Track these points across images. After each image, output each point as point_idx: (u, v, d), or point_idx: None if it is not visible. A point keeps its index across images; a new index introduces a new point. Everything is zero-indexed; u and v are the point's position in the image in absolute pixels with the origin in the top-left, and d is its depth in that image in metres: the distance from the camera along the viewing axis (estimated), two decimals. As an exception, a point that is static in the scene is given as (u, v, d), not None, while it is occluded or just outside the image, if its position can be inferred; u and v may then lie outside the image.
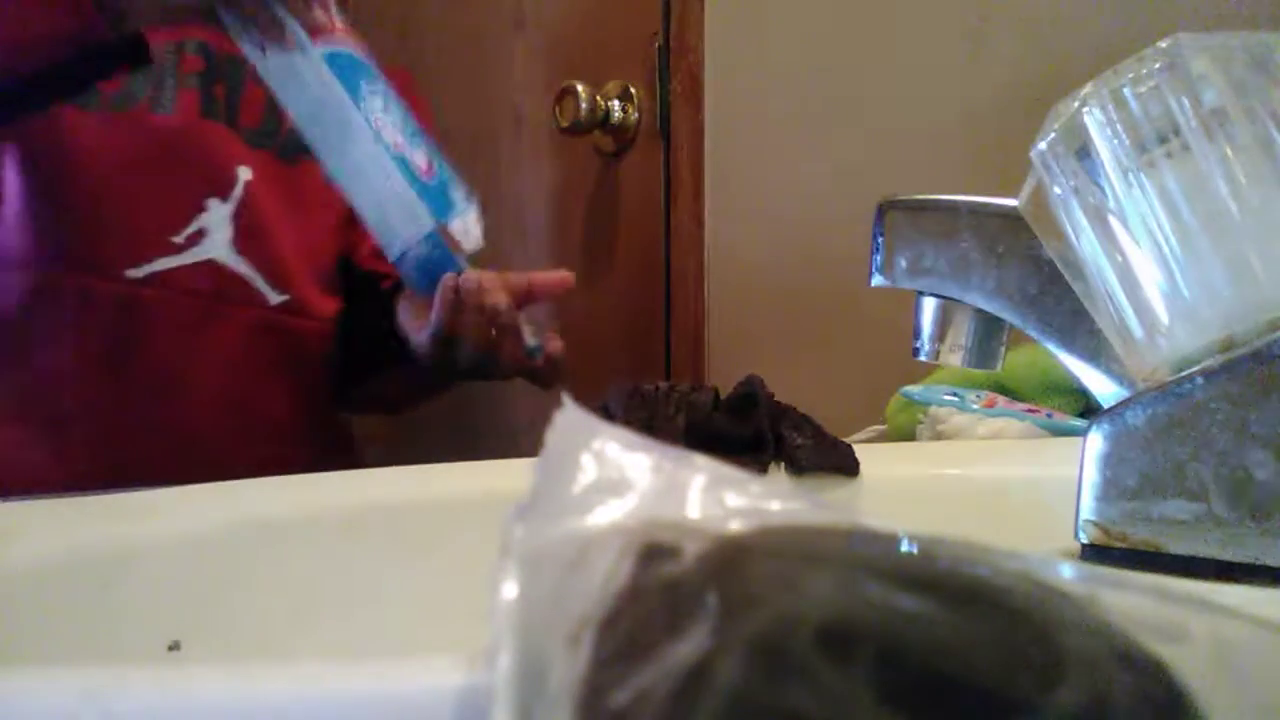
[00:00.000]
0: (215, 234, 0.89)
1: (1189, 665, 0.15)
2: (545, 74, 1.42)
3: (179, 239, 0.87)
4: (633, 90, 1.35)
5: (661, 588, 0.17)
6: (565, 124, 1.32)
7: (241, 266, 0.90)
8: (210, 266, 0.88)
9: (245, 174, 0.90)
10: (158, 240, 0.87)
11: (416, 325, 0.84)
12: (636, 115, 1.34)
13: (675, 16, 1.28)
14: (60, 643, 0.33)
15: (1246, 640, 0.16)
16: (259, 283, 0.91)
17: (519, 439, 1.41)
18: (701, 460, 0.20)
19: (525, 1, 1.47)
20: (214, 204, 0.89)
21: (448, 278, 0.78)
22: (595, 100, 1.32)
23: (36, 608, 0.34)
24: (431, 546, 0.46)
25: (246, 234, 0.89)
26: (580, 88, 1.31)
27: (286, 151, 0.95)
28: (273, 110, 0.94)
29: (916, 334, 0.47)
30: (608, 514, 0.19)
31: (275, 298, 0.92)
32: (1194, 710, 0.15)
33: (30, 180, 0.87)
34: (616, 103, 1.33)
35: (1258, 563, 0.30)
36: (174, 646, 0.36)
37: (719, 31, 1.25)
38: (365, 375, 1.03)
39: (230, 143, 0.91)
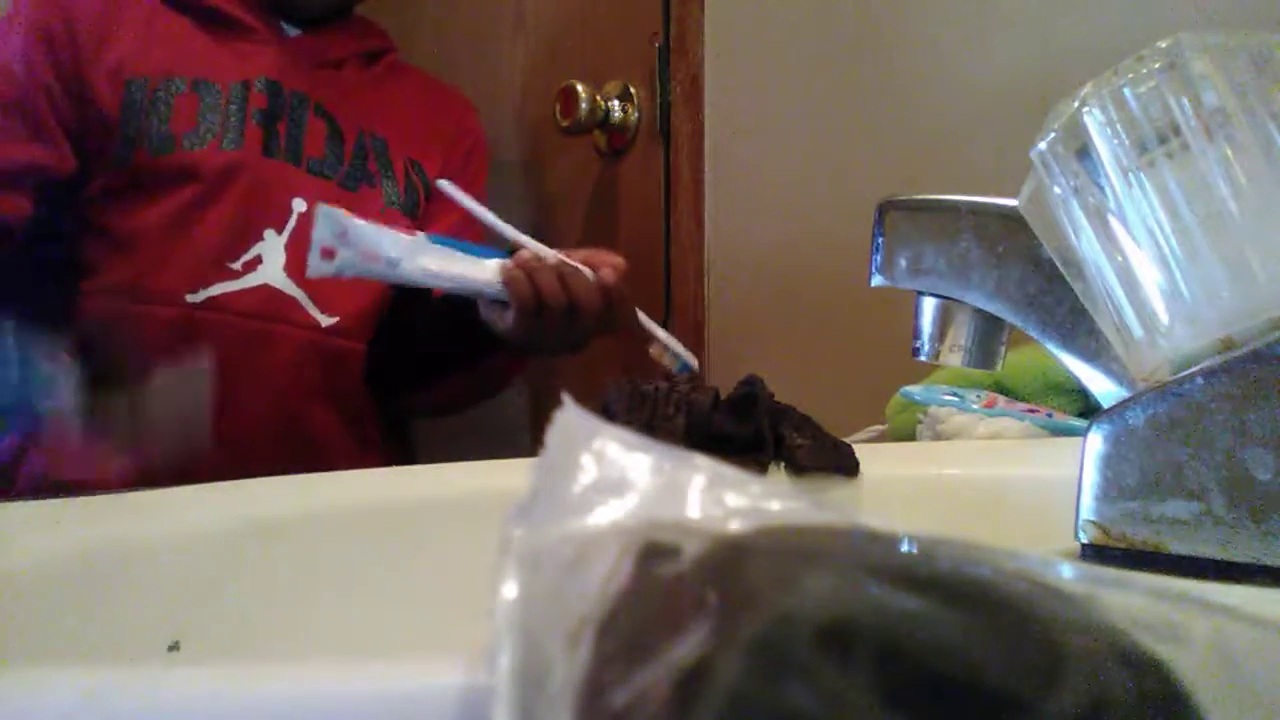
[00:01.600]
0: (270, 260, 0.95)
1: (1189, 665, 0.15)
2: (545, 74, 1.42)
3: (236, 265, 0.93)
4: (633, 90, 1.35)
5: (661, 588, 0.17)
6: (565, 124, 1.32)
7: (293, 290, 0.96)
8: (264, 290, 0.94)
9: (300, 205, 0.97)
10: (217, 267, 0.93)
11: (499, 314, 0.88)
12: (636, 115, 1.34)
13: (675, 16, 1.28)
14: (60, 643, 0.33)
15: (1246, 640, 0.16)
16: (309, 306, 0.97)
17: (518, 439, 1.41)
18: (701, 460, 0.20)
19: (525, 1, 1.47)
20: (270, 234, 0.95)
21: (510, 264, 0.83)
22: (595, 100, 1.32)
23: (37, 608, 0.34)
24: (430, 546, 0.46)
25: (300, 261, 0.92)
26: (580, 88, 1.31)
27: (348, 180, 1.02)
28: (334, 142, 1.02)
29: (916, 334, 0.47)
30: (608, 514, 0.19)
31: (325, 320, 0.98)
32: (1194, 710, 0.15)
33: (108, 217, 0.93)
34: (616, 103, 1.33)
35: (1258, 563, 0.30)
36: (174, 646, 0.36)
37: (719, 31, 1.25)
38: (446, 373, 1.07)
39: (289, 175, 0.98)
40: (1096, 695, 0.14)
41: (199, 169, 0.93)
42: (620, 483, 0.20)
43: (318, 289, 0.97)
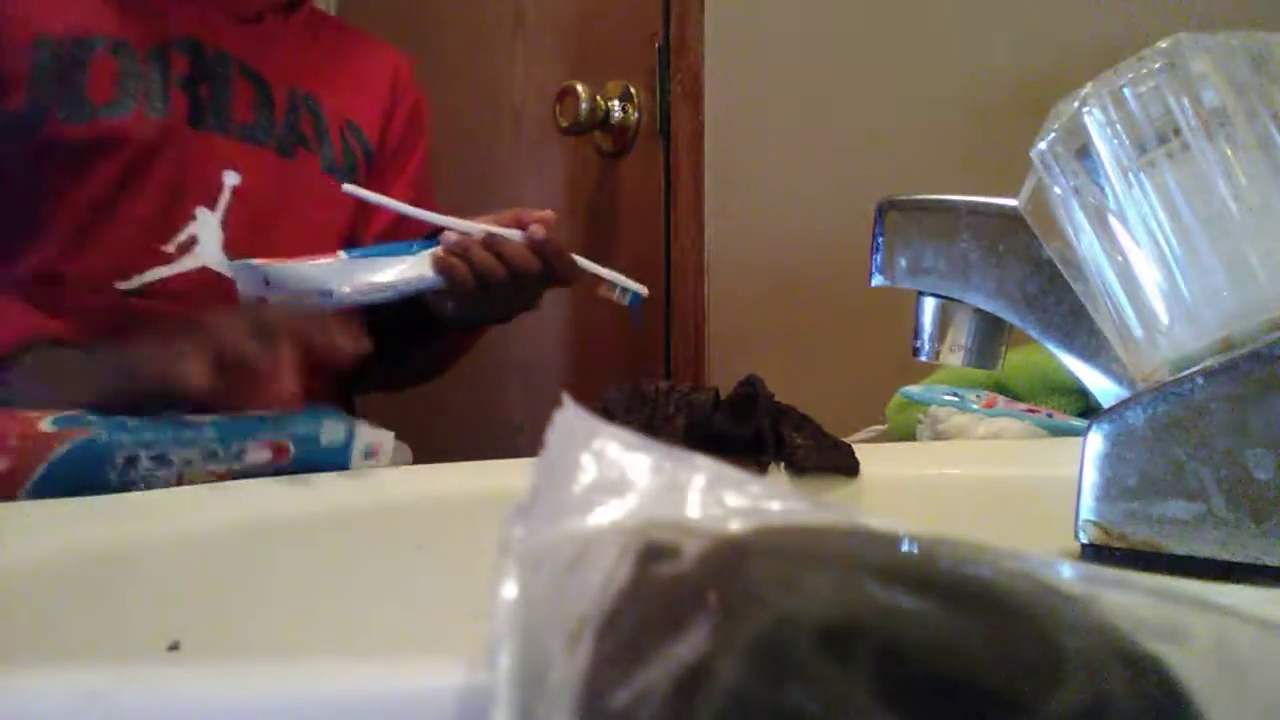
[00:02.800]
0: (206, 241, 0.87)
1: (1189, 665, 0.15)
2: (545, 74, 1.42)
3: (169, 248, 0.85)
4: (633, 90, 1.35)
5: (661, 588, 0.17)
6: (565, 124, 1.32)
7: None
8: (201, 273, 0.86)
9: (232, 179, 0.88)
10: (148, 251, 0.84)
11: (443, 301, 0.86)
12: (636, 115, 1.34)
13: (675, 16, 1.28)
14: (61, 643, 0.33)
15: (1246, 640, 0.16)
16: None
17: (518, 439, 1.41)
18: (701, 460, 0.20)
19: (525, 1, 1.47)
20: (202, 212, 0.87)
21: (440, 251, 0.80)
22: (595, 100, 1.32)
23: (37, 608, 0.34)
24: (431, 546, 0.46)
25: (238, 237, 0.87)
26: (580, 88, 1.31)
27: (283, 146, 0.93)
28: (265, 105, 0.92)
29: (916, 334, 0.47)
30: (608, 514, 0.19)
31: (272, 298, 0.91)
32: (1194, 710, 0.15)
33: (23, 199, 0.84)
34: (616, 103, 1.33)
35: (1258, 563, 0.30)
36: (174, 646, 0.36)
37: (719, 31, 1.25)
38: (396, 353, 1.01)
39: (219, 145, 0.89)
40: (1096, 695, 0.14)
41: (121, 140, 0.84)
42: (620, 483, 0.20)
43: None
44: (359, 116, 1.00)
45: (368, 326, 0.99)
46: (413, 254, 0.81)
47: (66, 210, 0.83)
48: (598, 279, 0.86)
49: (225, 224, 0.87)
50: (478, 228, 0.82)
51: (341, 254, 0.78)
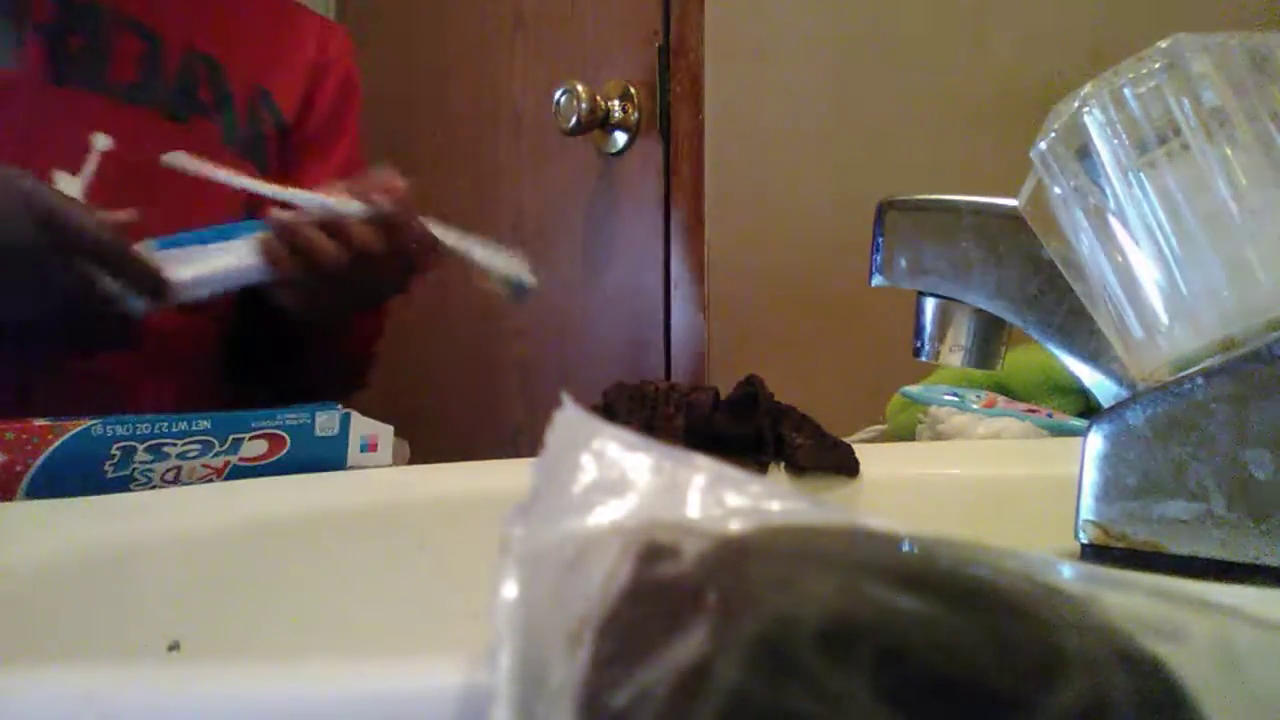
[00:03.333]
0: None
1: (1189, 665, 0.15)
2: (545, 74, 1.42)
3: None
4: (633, 90, 1.35)
5: (661, 588, 0.17)
6: (565, 124, 1.32)
7: None
8: None
9: (103, 142, 0.74)
10: None
11: (282, 292, 0.75)
12: (636, 115, 1.34)
13: (675, 16, 1.28)
14: (61, 643, 0.33)
15: (1247, 640, 0.16)
16: None
17: (518, 439, 1.41)
18: (701, 460, 0.20)
19: (525, 1, 1.47)
20: (61, 176, 0.72)
21: (266, 235, 0.69)
22: (595, 100, 1.32)
23: (37, 607, 0.34)
24: (431, 546, 0.46)
25: (107, 207, 0.73)
26: (580, 88, 1.31)
27: (176, 109, 0.81)
28: (153, 61, 0.81)
29: (917, 334, 0.47)
30: (608, 514, 0.19)
31: None
32: (1194, 710, 0.15)
33: None
34: (616, 103, 1.33)
35: (1258, 563, 0.30)
36: (174, 646, 0.36)
37: (719, 31, 1.25)
38: (274, 364, 0.89)
39: (86, 104, 0.77)
40: (1096, 695, 0.14)
41: None
42: (620, 483, 0.20)
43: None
44: (274, 86, 0.89)
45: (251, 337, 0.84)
46: (235, 238, 0.69)
47: None
48: (470, 262, 0.72)
49: (88, 191, 0.73)
50: (315, 200, 0.70)
51: (149, 242, 0.66)
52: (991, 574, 0.17)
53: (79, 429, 0.46)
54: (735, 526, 0.18)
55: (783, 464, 0.52)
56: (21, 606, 0.33)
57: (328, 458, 0.54)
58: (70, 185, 0.72)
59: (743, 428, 0.52)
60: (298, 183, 0.80)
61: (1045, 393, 0.73)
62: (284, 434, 0.52)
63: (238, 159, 0.83)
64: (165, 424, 0.48)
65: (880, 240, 0.46)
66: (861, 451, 0.52)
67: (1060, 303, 0.41)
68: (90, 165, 0.74)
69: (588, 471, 0.20)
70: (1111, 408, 0.33)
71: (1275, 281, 0.30)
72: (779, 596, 0.16)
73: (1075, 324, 0.41)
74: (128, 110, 0.79)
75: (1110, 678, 0.15)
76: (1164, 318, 0.32)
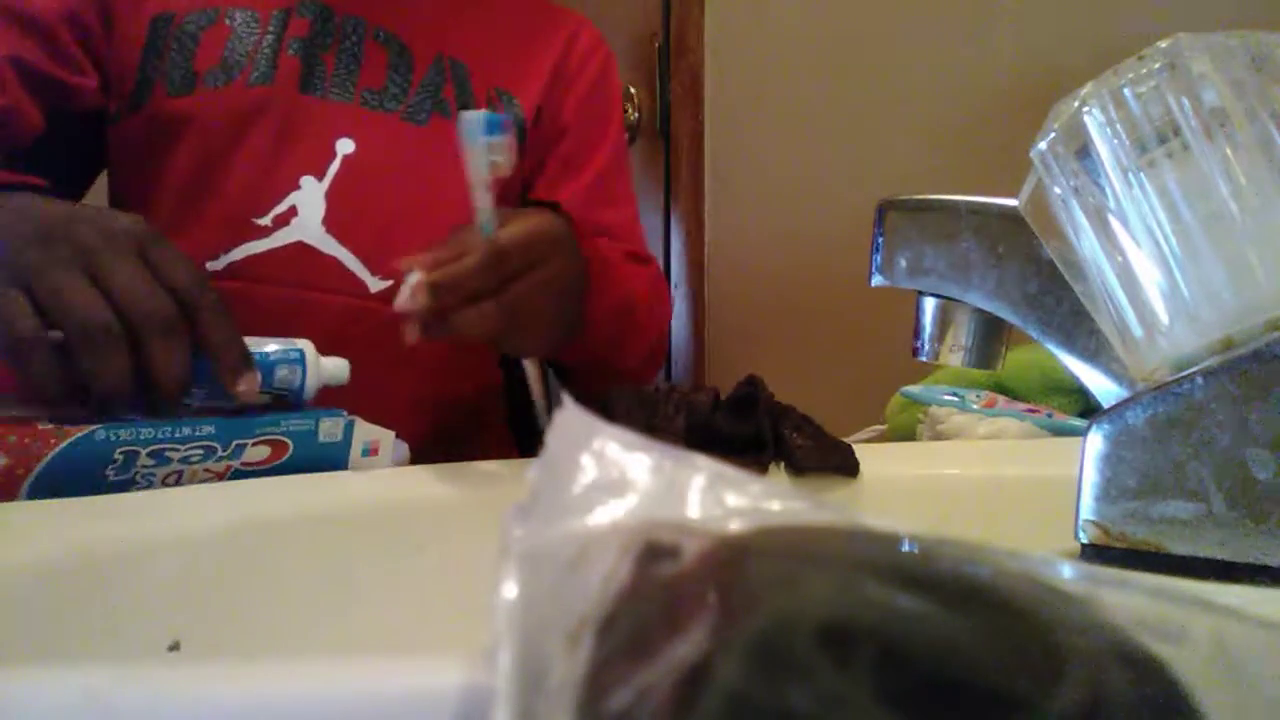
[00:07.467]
0: (307, 213, 0.77)
1: (1189, 665, 0.15)
2: (545, 74, 1.42)
3: (266, 220, 0.76)
4: (633, 90, 1.35)
5: (661, 588, 0.17)
6: (565, 124, 1.31)
7: (333, 248, 0.78)
8: (297, 250, 0.76)
9: (346, 146, 0.80)
10: (243, 224, 0.76)
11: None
12: (636, 115, 1.34)
13: (675, 16, 1.28)
14: (61, 642, 0.33)
15: (1246, 640, 0.16)
16: (355, 266, 0.78)
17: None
18: (701, 460, 0.20)
19: (525, 1, 1.47)
20: (308, 181, 0.78)
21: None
22: (595, 100, 1.32)
23: (38, 607, 0.34)
24: (430, 546, 0.46)
25: (343, 212, 0.78)
26: (580, 88, 1.31)
27: (416, 112, 0.84)
28: (401, 69, 0.84)
29: (916, 334, 0.47)
30: (608, 514, 0.19)
31: (376, 284, 0.78)
32: (1194, 710, 0.15)
33: (136, 180, 0.79)
34: (616, 103, 1.33)
35: (1258, 563, 0.30)
36: (174, 646, 0.36)
37: (719, 31, 1.25)
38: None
39: (334, 112, 0.81)
40: (1097, 695, 0.14)
41: (220, 110, 0.78)
42: (620, 483, 0.20)
43: (366, 245, 0.78)
44: (515, 86, 0.90)
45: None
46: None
47: (167, 187, 0.77)
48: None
49: (330, 195, 0.78)
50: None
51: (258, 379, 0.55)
52: (992, 574, 0.17)
53: (82, 433, 0.46)
54: (735, 526, 0.18)
55: (783, 464, 0.52)
56: (21, 606, 0.33)
57: (330, 463, 0.54)
58: (315, 190, 0.78)
59: (743, 428, 0.52)
60: (552, 186, 0.88)
61: (1045, 393, 0.73)
62: (287, 439, 0.52)
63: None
64: (169, 429, 0.48)
65: (880, 240, 0.46)
66: (861, 451, 0.52)
67: (1060, 303, 0.41)
68: (333, 168, 0.79)
69: (588, 471, 0.20)
70: (1111, 408, 0.33)
71: (1275, 281, 0.30)
72: (779, 596, 0.16)
73: (1075, 324, 0.41)
74: (367, 115, 0.82)
75: (1110, 678, 0.15)
76: (1164, 318, 0.32)
